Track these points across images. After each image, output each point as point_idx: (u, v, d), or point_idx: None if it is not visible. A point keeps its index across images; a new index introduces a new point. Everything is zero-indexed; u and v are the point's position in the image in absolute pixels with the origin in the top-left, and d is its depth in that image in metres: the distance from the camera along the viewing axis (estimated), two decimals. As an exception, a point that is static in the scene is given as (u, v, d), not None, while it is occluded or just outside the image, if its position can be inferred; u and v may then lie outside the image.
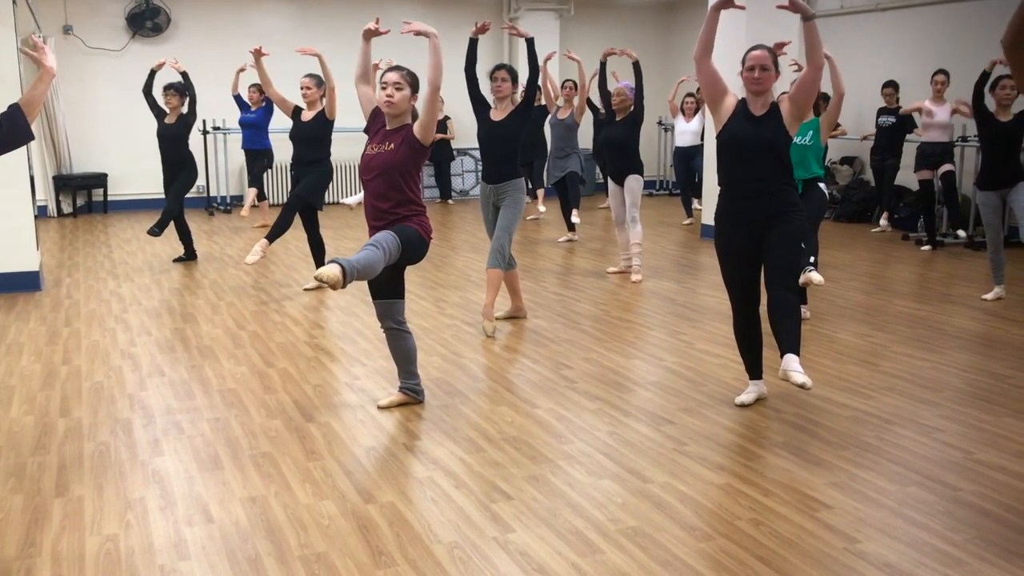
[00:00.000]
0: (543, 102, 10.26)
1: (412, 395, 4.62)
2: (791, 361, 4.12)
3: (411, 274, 4.53)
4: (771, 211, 4.31)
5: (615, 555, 3.11)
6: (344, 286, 3.79)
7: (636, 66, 7.61)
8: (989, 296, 7.05)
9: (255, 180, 10.68)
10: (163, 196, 8.60)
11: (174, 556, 3.12)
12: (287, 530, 3.31)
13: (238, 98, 10.86)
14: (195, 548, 3.17)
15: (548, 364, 5.39)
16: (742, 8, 4.30)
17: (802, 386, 4.08)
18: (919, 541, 3.20)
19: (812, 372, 5.15)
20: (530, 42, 6.07)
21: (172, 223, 8.64)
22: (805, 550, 3.14)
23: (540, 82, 9.25)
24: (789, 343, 4.21)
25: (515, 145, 6.03)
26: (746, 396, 4.66)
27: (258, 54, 7.27)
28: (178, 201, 8.42)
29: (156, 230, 8.38)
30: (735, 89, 4.51)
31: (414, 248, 4.25)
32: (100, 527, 3.34)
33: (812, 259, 6.27)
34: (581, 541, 3.21)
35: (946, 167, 9.40)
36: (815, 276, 6.14)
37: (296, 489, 3.66)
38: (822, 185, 6.22)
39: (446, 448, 4.09)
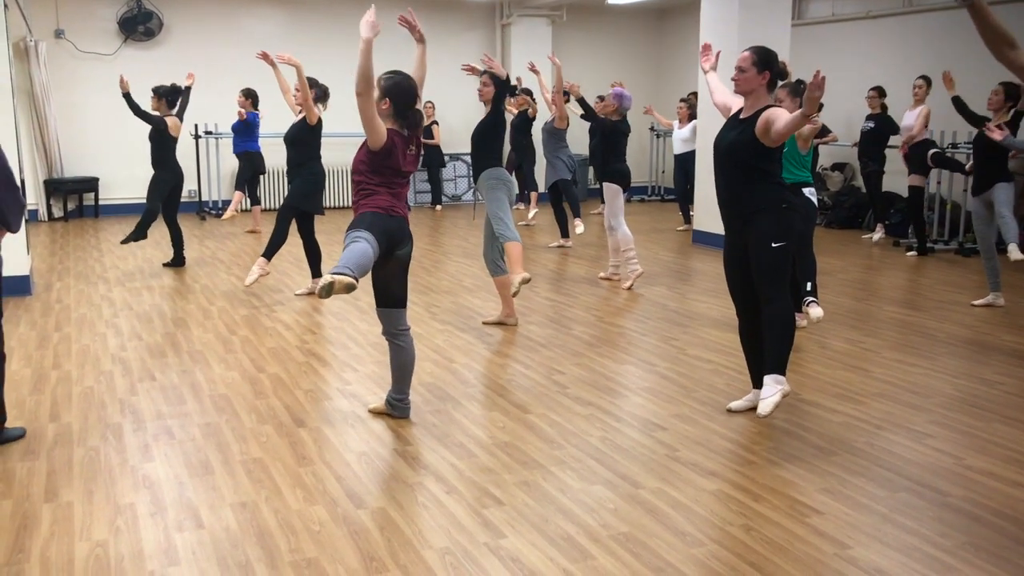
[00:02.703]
0: (524, 108, 10.44)
1: (389, 407, 4.57)
2: (764, 386, 4.20)
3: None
4: (748, 211, 4.31)
5: (607, 561, 3.11)
6: (356, 282, 3.79)
7: (581, 102, 8.14)
8: (979, 302, 7.07)
9: (239, 184, 10.64)
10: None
11: (164, 562, 3.11)
12: (278, 536, 3.30)
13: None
14: (185, 554, 3.16)
15: (540, 369, 5.39)
16: (716, 51, 4.46)
17: (758, 414, 4.18)
18: (910, 547, 3.21)
19: (803, 378, 5.17)
20: (505, 80, 6.24)
21: (167, 228, 8.63)
22: (796, 556, 3.14)
23: (542, 93, 9.47)
24: (770, 362, 4.24)
25: (480, 147, 6.26)
26: (739, 403, 4.66)
27: (266, 58, 7.37)
28: (152, 202, 8.41)
29: (133, 236, 8.32)
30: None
31: (376, 227, 4.11)
32: (89, 533, 3.32)
33: (809, 286, 6.13)
34: (572, 547, 3.21)
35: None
36: (813, 311, 5.96)
37: (287, 494, 3.65)
38: (807, 191, 6.04)
39: (438, 453, 4.08)
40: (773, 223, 4.26)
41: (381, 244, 4.11)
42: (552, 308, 7.02)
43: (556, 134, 9.88)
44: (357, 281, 3.82)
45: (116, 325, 6.47)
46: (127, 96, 8.35)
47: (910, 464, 3.96)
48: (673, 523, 3.39)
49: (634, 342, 6.05)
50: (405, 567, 3.07)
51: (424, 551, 3.18)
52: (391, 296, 4.37)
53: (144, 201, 8.60)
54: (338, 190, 13.70)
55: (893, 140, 10.15)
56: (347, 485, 3.75)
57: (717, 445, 4.19)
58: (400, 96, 4.22)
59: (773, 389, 4.15)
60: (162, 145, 8.41)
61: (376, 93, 4.18)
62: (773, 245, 4.24)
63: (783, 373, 4.21)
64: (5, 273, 4.86)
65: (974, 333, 6.27)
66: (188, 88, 8.81)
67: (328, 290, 3.74)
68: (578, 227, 9.74)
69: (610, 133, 7.76)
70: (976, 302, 7.09)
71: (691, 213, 11.34)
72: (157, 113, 8.43)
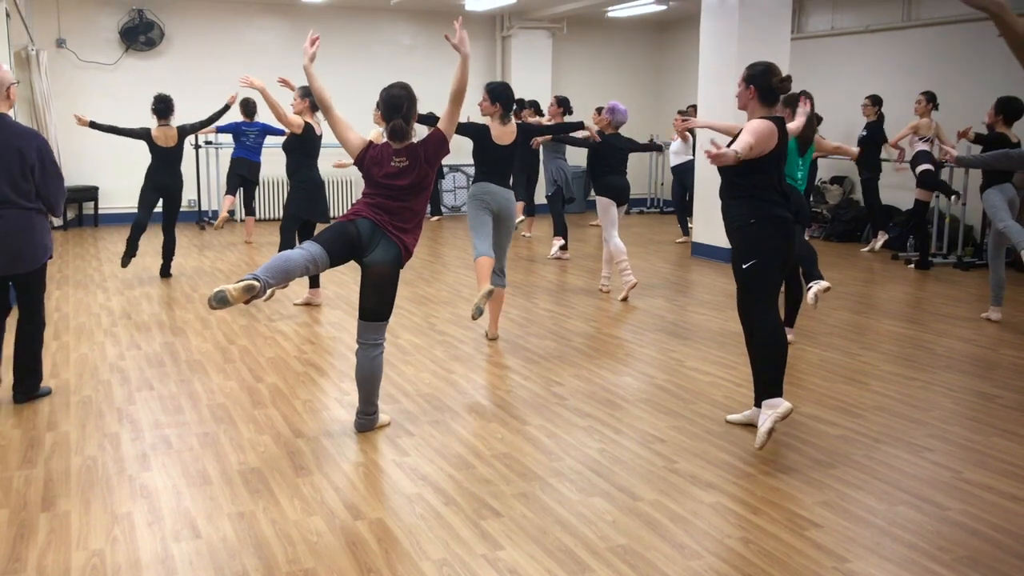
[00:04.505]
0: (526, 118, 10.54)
1: (363, 417, 4.54)
2: (760, 414, 4.17)
3: (402, 290, 4.50)
4: (729, 227, 4.35)
5: (604, 573, 3.10)
6: (257, 284, 3.77)
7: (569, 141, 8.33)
8: (984, 314, 7.08)
9: (228, 189, 10.57)
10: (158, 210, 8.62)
11: (161, 572, 3.10)
12: (275, 546, 3.29)
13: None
14: (182, 564, 3.15)
15: (539, 381, 5.39)
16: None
17: (754, 446, 4.16)
18: (908, 560, 3.20)
19: (802, 391, 5.17)
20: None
21: (163, 237, 8.61)
22: (795, 569, 3.14)
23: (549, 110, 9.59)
24: (762, 386, 4.23)
25: (474, 162, 6.22)
26: (737, 416, 4.65)
27: (250, 84, 7.01)
28: (137, 213, 8.38)
29: (126, 254, 8.31)
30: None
31: (328, 235, 4.19)
32: (86, 542, 3.32)
33: (804, 274, 6.15)
34: (570, 559, 3.20)
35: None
36: (810, 294, 5.99)
37: (284, 505, 3.64)
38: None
39: (436, 465, 4.08)
40: (741, 241, 4.29)
41: (331, 250, 4.16)
42: (551, 319, 7.02)
43: (550, 145, 10.05)
44: (261, 284, 3.79)
45: (115, 334, 6.46)
46: (92, 125, 8.31)
47: (908, 477, 3.96)
48: (671, 535, 3.39)
49: (633, 354, 6.05)
50: (402, 578, 3.07)
51: (422, 562, 3.18)
52: (361, 306, 4.37)
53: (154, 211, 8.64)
54: (333, 200, 13.72)
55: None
56: (345, 496, 3.74)
57: (715, 457, 4.19)
58: (384, 109, 4.35)
59: (764, 416, 4.12)
60: (151, 155, 8.41)
61: None
62: (743, 266, 4.25)
63: (778, 395, 4.17)
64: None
65: (973, 347, 6.28)
66: (228, 106, 9.04)
67: (220, 300, 3.68)
68: (554, 247, 9.89)
69: (599, 148, 7.82)
70: (983, 315, 7.10)
71: (689, 225, 11.37)
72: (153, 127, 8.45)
